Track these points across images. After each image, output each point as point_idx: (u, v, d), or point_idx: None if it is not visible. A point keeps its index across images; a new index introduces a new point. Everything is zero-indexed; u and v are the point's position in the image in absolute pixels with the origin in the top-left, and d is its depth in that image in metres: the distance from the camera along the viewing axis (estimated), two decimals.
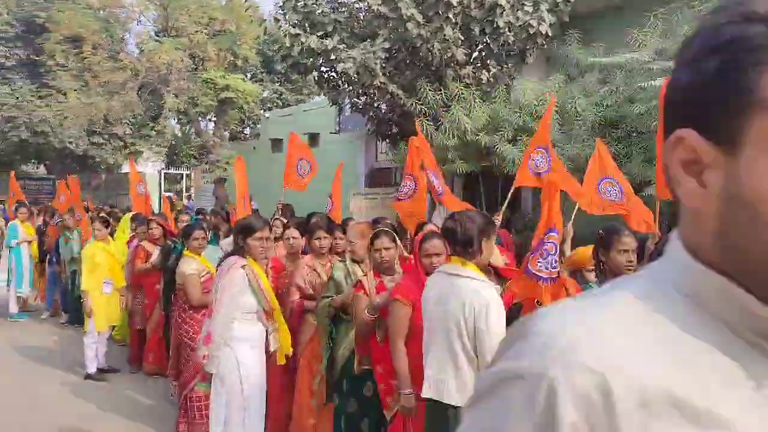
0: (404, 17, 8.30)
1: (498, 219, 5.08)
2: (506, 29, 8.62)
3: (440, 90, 8.81)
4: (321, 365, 4.32)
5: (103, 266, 6.71)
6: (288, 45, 9.22)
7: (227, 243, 5.96)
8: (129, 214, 8.59)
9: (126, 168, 23.97)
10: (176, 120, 22.93)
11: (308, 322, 4.50)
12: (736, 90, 0.57)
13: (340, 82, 10.05)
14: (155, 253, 6.67)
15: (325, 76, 10.27)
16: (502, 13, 8.56)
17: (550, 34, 8.76)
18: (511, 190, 5.56)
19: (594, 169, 4.86)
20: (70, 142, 20.55)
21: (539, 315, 0.63)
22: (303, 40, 8.85)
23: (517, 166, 7.63)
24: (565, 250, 4.22)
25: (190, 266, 5.01)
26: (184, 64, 17.26)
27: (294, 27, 9.08)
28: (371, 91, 9.32)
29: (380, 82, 8.91)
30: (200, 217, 9.27)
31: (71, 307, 9.14)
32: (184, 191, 22.77)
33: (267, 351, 4.03)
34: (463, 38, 8.70)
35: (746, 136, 0.57)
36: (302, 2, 9.34)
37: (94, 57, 17.67)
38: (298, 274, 4.59)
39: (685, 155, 0.61)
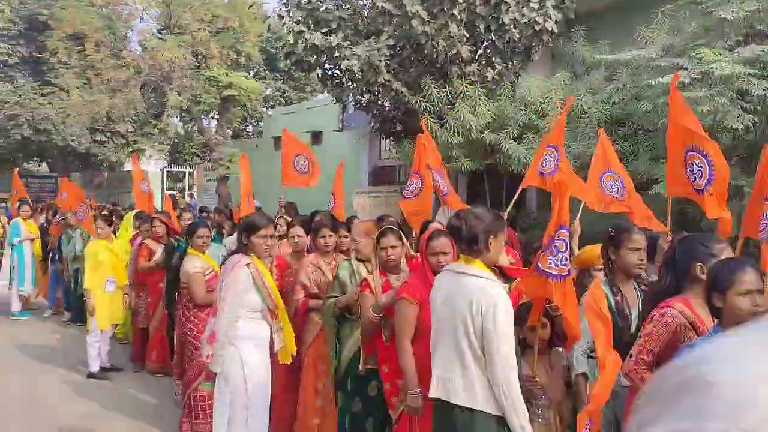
0: (409, 14, 8.25)
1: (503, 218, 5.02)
2: (512, 26, 8.56)
3: (445, 87, 8.76)
4: (330, 365, 4.28)
5: (106, 264, 6.68)
6: (292, 42, 9.18)
7: (231, 241, 5.94)
8: (132, 212, 8.56)
9: (128, 166, 23.97)
10: (179, 118, 22.91)
11: (313, 321, 4.46)
12: None
13: (344, 79, 10.00)
14: (158, 251, 6.64)
15: (329, 73, 10.23)
16: (507, 9, 8.51)
17: (555, 31, 8.70)
18: (518, 191, 5.50)
19: (597, 162, 4.78)
20: (73, 140, 20.52)
21: (708, 356, 0.50)
22: (307, 37, 8.79)
23: (522, 164, 7.61)
24: (573, 247, 4.17)
25: (195, 264, 4.97)
26: (187, 62, 17.21)
27: (298, 24, 9.02)
28: (375, 88, 9.27)
29: (384, 80, 8.86)
30: (204, 215, 9.25)
31: (74, 306, 9.12)
32: (187, 189, 22.77)
33: (271, 350, 3.99)
34: (468, 35, 8.64)
35: None
36: None
37: (97, 54, 17.64)
38: (302, 272, 4.54)
39: None
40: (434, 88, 8.70)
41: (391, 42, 8.80)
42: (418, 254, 3.83)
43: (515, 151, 7.76)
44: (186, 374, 4.87)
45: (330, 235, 4.57)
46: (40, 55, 20.34)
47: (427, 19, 8.34)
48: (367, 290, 3.82)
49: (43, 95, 19.84)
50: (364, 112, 11.08)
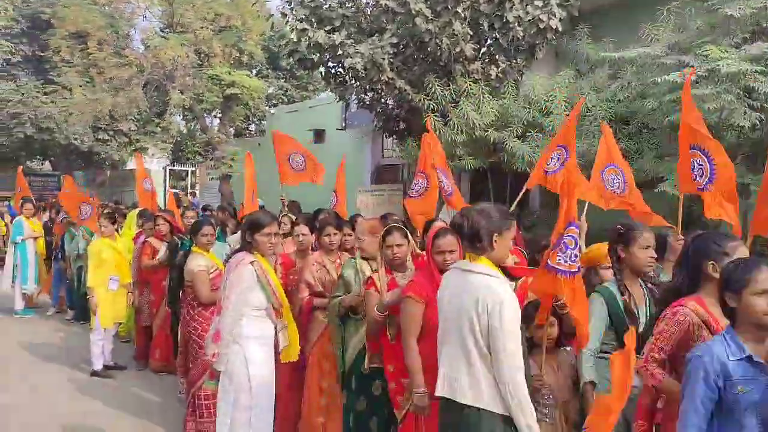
0: (412, 12, 8.21)
1: None
2: (516, 24, 8.52)
3: (448, 85, 8.72)
4: (334, 364, 4.27)
5: (109, 262, 6.67)
6: (295, 40, 9.15)
7: (235, 239, 5.92)
8: (135, 211, 8.56)
9: (131, 165, 23.99)
10: (181, 116, 22.88)
11: (318, 320, 4.45)
12: None
13: (347, 77, 9.97)
14: (162, 249, 6.63)
15: (332, 71, 10.20)
16: (511, 7, 8.46)
17: (560, 29, 8.65)
18: (523, 191, 5.47)
19: (600, 156, 4.74)
20: (75, 139, 20.50)
21: None
22: (310, 35, 8.75)
23: (526, 163, 7.57)
24: (580, 245, 4.13)
25: (199, 263, 4.95)
26: (190, 60, 17.17)
27: (301, 22, 8.99)
28: (379, 86, 9.23)
29: (388, 78, 8.82)
30: (207, 213, 9.24)
31: (77, 304, 9.13)
32: (189, 188, 22.75)
33: (276, 348, 3.97)
34: (471, 33, 8.59)
35: None
36: None
37: (100, 53, 17.58)
38: (307, 270, 4.53)
39: None
40: (438, 86, 8.66)
41: (395, 40, 8.76)
42: (424, 252, 3.82)
43: (519, 149, 7.72)
44: (190, 373, 4.86)
45: (335, 234, 4.56)
46: (42, 54, 20.31)
47: (430, 17, 8.30)
48: (372, 288, 3.81)
49: (45, 94, 19.83)
50: (367, 110, 11.04)
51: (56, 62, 19.08)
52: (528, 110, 8.17)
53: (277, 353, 3.97)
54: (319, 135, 16.96)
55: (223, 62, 18.27)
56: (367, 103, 10.50)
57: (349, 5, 9.40)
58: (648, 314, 3.17)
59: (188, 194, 19.86)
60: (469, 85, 8.51)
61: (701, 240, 2.70)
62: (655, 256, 3.24)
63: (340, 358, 4.14)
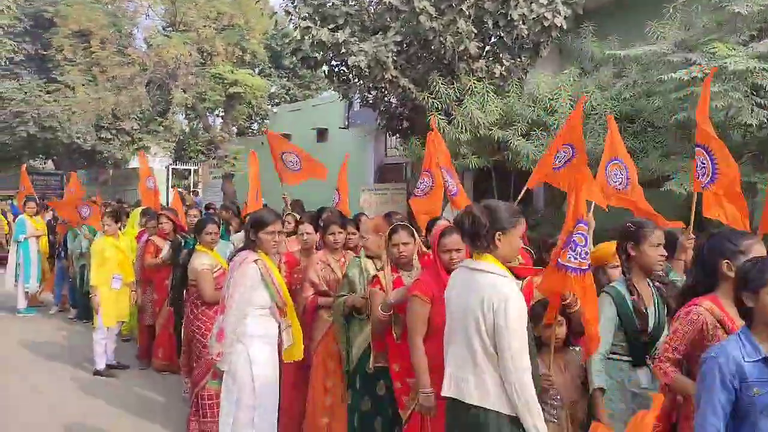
0: (416, 10, 8.17)
1: None
2: (520, 22, 8.49)
3: (452, 84, 8.69)
4: (339, 363, 4.24)
5: (112, 261, 6.65)
6: (298, 38, 9.12)
7: (238, 238, 5.89)
8: (138, 209, 8.54)
9: (133, 163, 24.00)
10: (184, 115, 22.86)
11: (322, 319, 4.41)
12: None
13: (350, 76, 9.94)
14: (165, 248, 6.61)
15: (336, 69, 10.17)
16: (516, 5, 8.43)
17: (564, 27, 8.61)
18: (523, 191, 5.43)
19: (606, 151, 4.69)
20: (78, 137, 20.50)
21: None
22: (314, 33, 8.73)
23: (531, 161, 7.53)
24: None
25: (203, 261, 4.92)
26: (192, 59, 17.16)
27: (304, 20, 8.96)
28: (382, 85, 9.20)
29: (392, 76, 8.79)
30: (211, 211, 9.21)
31: (80, 303, 9.12)
32: (192, 186, 22.74)
33: (280, 348, 3.94)
34: (476, 31, 8.56)
35: None
36: None
37: (102, 52, 17.56)
38: (311, 269, 4.50)
39: None
40: (442, 84, 8.63)
41: (399, 38, 8.73)
42: (430, 251, 3.78)
43: (524, 148, 7.68)
44: (194, 372, 4.83)
45: (339, 232, 4.53)
46: (45, 53, 20.30)
47: (434, 15, 8.26)
48: (378, 287, 3.78)
49: (48, 92, 19.82)
50: (371, 109, 11.01)
51: (59, 61, 19.06)
52: (532, 109, 8.14)
53: (280, 352, 3.94)
54: (321, 134, 16.94)
55: (226, 61, 18.25)
56: (371, 101, 10.48)
57: (353, 3, 9.38)
58: (657, 314, 3.14)
59: (191, 193, 19.83)
60: (474, 83, 8.48)
61: (716, 238, 2.67)
62: (666, 254, 3.20)
63: (345, 357, 4.11)
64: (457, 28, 8.28)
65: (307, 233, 4.87)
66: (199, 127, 21.52)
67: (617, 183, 4.58)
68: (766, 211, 4.08)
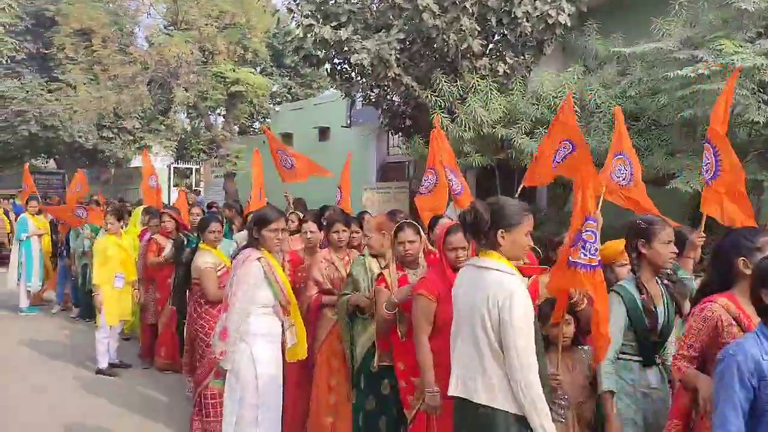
0: (419, 7, 8.14)
1: None
2: (524, 19, 8.45)
3: (456, 82, 8.65)
4: (343, 362, 4.21)
5: (114, 260, 6.63)
6: (301, 36, 9.09)
7: (242, 237, 5.86)
8: (140, 208, 8.51)
9: (135, 162, 23.98)
10: (186, 114, 22.84)
11: (326, 317, 4.38)
12: None
13: (353, 74, 9.91)
14: (168, 246, 6.58)
15: (338, 68, 10.13)
16: (519, 2, 8.39)
17: (569, 25, 8.57)
18: (519, 189, 5.39)
19: (613, 144, 4.63)
20: (80, 136, 20.49)
21: None
22: (316, 30, 8.69)
23: (534, 160, 7.48)
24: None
25: (206, 260, 4.89)
26: (194, 58, 17.12)
27: (307, 17, 8.93)
28: (385, 83, 9.16)
29: (395, 74, 8.75)
30: (213, 209, 9.19)
31: (82, 302, 9.10)
32: (193, 185, 22.71)
33: (283, 346, 3.91)
34: (479, 29, 8.52)
35: None
36: None
37: (104, 50, 17.51)
38: (315, 268, 4.47)
39: None
40: (445, 82, 8.59)
41: (402, 36, 8.69)
42: (436, 249, 3.75)
43: (527, 146, 7.64)
44: (197, 372, 4.80)
45: (343, 230, 4.50)
46: (47, 51, 20.28)
47: (437, 13, 8.23)
48: (383, 285, 3.75)
49: (50, 91, 19.80)
50: (373, 107, 10.98)
51: (60, 60, 19.04)
52: (536, 107, 8.10)
53: (284, 351, 3.90)
54: (323, 133, 16.92)
55: (228, 60, 18.22)
56: (373, 99, 10.45)
57: (356, 1, 9.35)
58: (666, 313, 3.10)
59: (192, 192, 19.84)
60: (477, 81, 8.44)
61: (732, 236, 2.64)
62: (677, 251, 3.16)
63: (350, 355, 4.08)
64: (461, 25, 8.24)
65: (311, 232, 4.84)
66: (200, 125, 21.51)
67: (620, 179, 4.52)
68: None
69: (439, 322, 3.24)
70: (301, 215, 5.68)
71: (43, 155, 24.01)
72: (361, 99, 11.42)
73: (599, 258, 2.93)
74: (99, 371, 6.54)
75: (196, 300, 4.98)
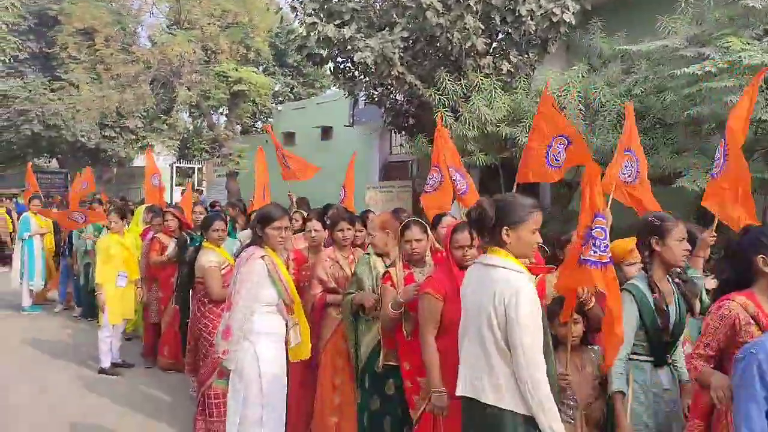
0: (423, 6, 8.10)
1: None
2: (528, 18, 8.40)
3: (459, 80, 8.61)
4: (348, 361, 4.18)
5: (117, 259, 6.60)
6: (304, 34, 9.06)
7: (245, 235, 5.83)
8: (143, 206, 8.49)
9: (137, 162, 23.99)
10: (188, 113, 22.83)
11: (331, 317, 4.35)
12: None
13: (356, 72, 9.87)
14: (171, 245, 6.56)
15: (341, 66, 10.10)
16: (524, 1, 8.35)
17: (573, 23, 8.52)
18: (514, 186, 5.35)
19: (622, 139, 4.59)
20: (82, 136, 20.50)
21: None
22: (320, 29, 8.65)
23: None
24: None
25: (210, 258, 4.86)
26: (197, 57, 17.11)
27: (310, 16, 8.90)
28: (389, 81, 9.12)
29: (398, 72, 8.71)
30: (216, 208, 9.16)
31: (84, 301, 9.08)
32: (196, 185, 22.71)
33: (287, 346, 3.87)
34: (483, 27, 8.48)
35: None
36: None
37: (107, 50, 17.50)
38: (319, 266, 4.43)
39: None
40: (448, 81, 8.55)
41: (405, 34, 8.65)
42: (441, 246, 3.72)
43: None
44: (200, 371, 4.77)
45: (348, 229, 4.47)
46: (49, 51, 20.30)
47: (441, 11, 8.18)
48: (389, 283, 3.72)
49: (53, 90, 19.82)
50: (376, 106, 10.94)
51: (63, 59, 19.04)
52: None
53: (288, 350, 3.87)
54: (326, 132, 16.90)
55: (230, 59, 18.20)
56: (376, 98, 10.41)
57: None
58: (678, 312, 3.06)
59: (194, 191, 19.84)
60: (481, 79, 8.40)
61: (751, 234, 2.60)
62: (690, 248, 3.13)
63: (355, 355, 4.05)
64: (465, 24, 8.19)
65: (316, 230, 4.82)
66: (203, 125, 21.50)
67: (627, 175, 4.50)
68: None
69: (445, 322, 3.20)
70: (305, 214, 5.66)
71: (45, 154, 24.05)
72: (364, 98, 11.38)
73: (610, 255, 2.88)
74: (101, 370, 6.52)
75: (199, 299, 4.95)
